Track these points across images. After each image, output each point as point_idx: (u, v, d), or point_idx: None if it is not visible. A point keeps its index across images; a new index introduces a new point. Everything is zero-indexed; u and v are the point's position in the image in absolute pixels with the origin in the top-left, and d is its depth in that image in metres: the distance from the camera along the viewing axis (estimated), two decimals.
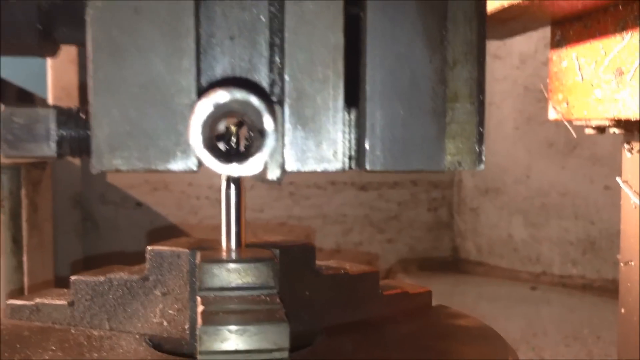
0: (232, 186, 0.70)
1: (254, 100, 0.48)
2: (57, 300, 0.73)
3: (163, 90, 0.53)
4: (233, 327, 0.54)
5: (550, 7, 0.98)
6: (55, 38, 0.62)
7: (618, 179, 1.12)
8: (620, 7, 0.93)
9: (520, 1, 0.92)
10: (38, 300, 0.73)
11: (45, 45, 0.62)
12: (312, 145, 0.55)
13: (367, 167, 0.56)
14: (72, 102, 2.12)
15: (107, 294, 0.70)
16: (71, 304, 0.72)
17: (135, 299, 0.69)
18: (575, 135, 1.17)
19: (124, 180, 2.42)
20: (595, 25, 1.00)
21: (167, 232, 2.45)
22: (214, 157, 0.48)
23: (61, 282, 1.72)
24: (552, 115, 1.16)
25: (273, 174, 0.55)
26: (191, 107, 0.53)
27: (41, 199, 1.53)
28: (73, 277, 0.72)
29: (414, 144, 0.56)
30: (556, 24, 1.12)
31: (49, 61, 2.23)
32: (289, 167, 0.55)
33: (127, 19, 0.52)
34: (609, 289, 2.38)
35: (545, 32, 2.69)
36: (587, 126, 1.11)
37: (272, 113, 0.48)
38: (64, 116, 0.54)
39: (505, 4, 0.95)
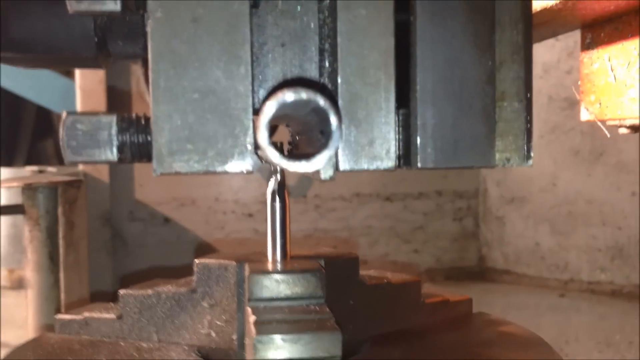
0: (277, 199, 0.71)
1: (321, 99, 0.49)
2: (105, 314, 0.74)
3: (221, 96, 0.55)
4: (287, 336, 0.55)
5: (583, 10, 0.99)
6: (109, 50, 0.64)
7: None
8: None
9: (553, 4, 0.93)
10: (87, 314, 0.75)
11: (100, 57, 0.64)
12: (364, 145, 0.57)
13: (419, 164, 0.57)
14: None
15: (156, 307, 0.71)
16: (119, 317, 0.73)
17: (184, 311, 0.70)
18: (608, 135, 1.17)
19: (151, 197, 2.44)
20: (627, 27, 1.01)
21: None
22: (281, 155, 0.49)
23: (95, 299, 1.73)
24: (584, 116, 1.16)
25: (327, 173, 0.56)
26: (246, 111, 0.54)
27: (77, 217, 1.56)
28: (121, 291, 0.73)
29: (464, 141, 0.58)
30: (586, 27, 1.12)
31: (78, 82, 2.26)
32: (343, 167, 0.57)
33: (186, 29, 0.54)
34: (639, 295, 2.36)
35: (568, 42, 2.67)
36: (620, 126, 1.11)
37: (337, 112, 0.50)
38: (125, 123, 0.56)
39: (538, 7, 0.95)
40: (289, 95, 0.48)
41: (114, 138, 0.55)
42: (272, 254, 0.70)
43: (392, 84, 0.56)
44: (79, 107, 2.25)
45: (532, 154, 0.59)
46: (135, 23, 0.62)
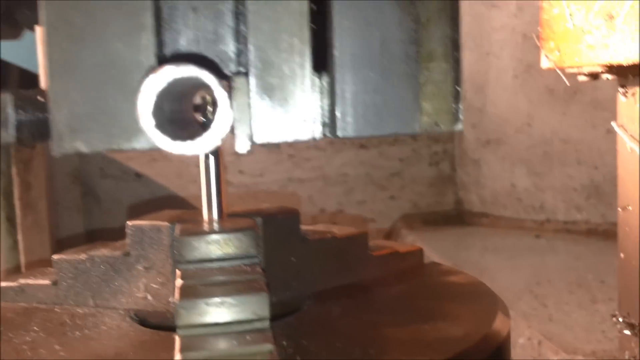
0: (211, 156, 0.68)
1: (204, 75, 0.46)
2: (40, 280, 0.72)
3: (122, 68, 0.52)
4: (211, 300, 0.53)
5: None
6: (17, 20, 0.61)
7: (613, 123, 1.10)
8: None
9: None
10: (22, 281, 0.73)
11: (6, 28, 0.61)
12: (280, 115, 0.54)
13: (339, 134, 0.55)
14: None
15: (90, 271, 0.69)
16: (55, 283, 0.71)
17: (119, 275, 0.69)
18: (568, 84, 1.15)
19: (122, 152, 2.41)
20: None
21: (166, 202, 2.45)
22: (165, 137, 0.47)
23: None
24: (544, 64, 1.13)
25: (242, 147, 0.54)
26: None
27: (34, 177, 1.53)
28: (55, 257, 0.71)
29: (386, 108, 0.55)
30: None
31: (39, 36, 2.20)
32: (258, 139, 0.54)
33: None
34: (614, 233, 2.36)
35: None
36: (579, 73, 1.09)
37: (224, 87, 0.47)
38: (22, 100, 0.53)
39: None
40: (169, 72, 0.45)
41: (10, 117, 0.53)
42: (208, 213, 0.68)
43: (308, 49, 0.53)
44: (40, 60, 2.20)
45: (461, 117, 0.57)
46: None
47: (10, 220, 1.45)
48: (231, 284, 0.56)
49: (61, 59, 0.51)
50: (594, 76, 1.07)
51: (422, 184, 2.75)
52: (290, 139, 0.54)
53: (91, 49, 0.51)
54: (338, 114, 0.55)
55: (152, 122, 0.46)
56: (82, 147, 0.51)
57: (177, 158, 2.46)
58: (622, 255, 1.16)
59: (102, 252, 0.69)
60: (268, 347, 0.50)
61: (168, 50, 0.54)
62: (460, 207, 2.82)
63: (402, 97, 0.55)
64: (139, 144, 0.52)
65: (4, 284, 0.73)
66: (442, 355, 0.55)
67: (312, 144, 2.56)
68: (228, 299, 0.53)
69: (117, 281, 0.69)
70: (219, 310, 0.53)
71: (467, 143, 2.78)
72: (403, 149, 2.70)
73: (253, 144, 0.55)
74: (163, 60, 0.52)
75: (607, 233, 2.40)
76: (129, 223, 0.69)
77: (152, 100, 0.46)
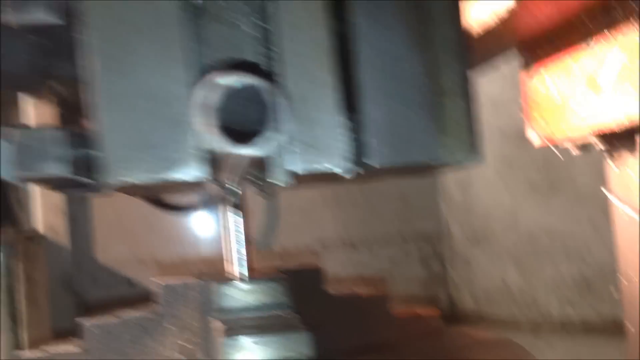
0: (236, 213, 0.70)
1: (260, 83, 0.49)
2: (70, 349, 0.72)
3: (162, 100, 0.55)
4: (257, 339, 0.54)
5: (518, 29, 1.01)
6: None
7: (606, 191, 1.11)
8: (586, 21, 0.97)
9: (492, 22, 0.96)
10: (51, 350, 0.72)
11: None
12: (314, 147, 0.57)
13: (371, 163, 0.58)
14: None
15: (122, 334, 0.69)
16: (85, 350, 0.71)
17: (150, 336, 0.69)
18: (562, 159, 1.18)
19: (113, 258, 2.40)
20: (564, 41, 1.03)
21: None
22: (224, 138, 0.49)
23: None
24: (534, 140, 1.17)
25: (281, 178, 0.56)
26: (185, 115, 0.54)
27: (38, 273, 1.51)
28: (85, 323, 0.71)
29: (412, 137, 0.59)
30: (524, 48, 1.15)
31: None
32: (295, 169, 0.57)
33: (122, 34, 0.54)
34: (611, 330, 2.35)
35: (510, 73, 2.70)
36: (572, 147, 1.11)
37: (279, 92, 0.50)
38: (75, 137, 0.55)
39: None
40: (222, 78, 0.48)
41: (65, 152, 0.55)
42: (235, 267, 0.70)
43: (336, 84, 0.57)
44: None
45: (478, 151, 0.61)
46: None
47: (13, 317, 1.42)
48: (272, 325, 0.57)
49: (105, 92, 0.54)
50: (586, 148, 1.10)
51: (414, 285, 2.74)
52: (323, 168, 0.57)
53: (132, 82, 0.54)
54: (368, 144, 0.58)
55: (205, 124, 0.49)
56: (129, 179, 0.54)
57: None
58: (631, 329, 1.15)
59: (133, 313, 0.70)
60: None
61: None
62: (453, 307, 2.81)
63: (425, 128, 0.59)
64: (183, 175, 0.54)
65: (31, 354, 0.73)
66: None
67: (302, 245, 2.57)
68: (273, 338, 0.54)
69: (148, 342, 0.69)
70: (264, 349, 0.54)
71: (456, 242, 2.80)
72: (393, 249, 2.71)
73: (288, 174, 0.57)
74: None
75: (602, 328, 2.38)
76: (159, 282, 0.69)
77: (201, 104, 0.49)
